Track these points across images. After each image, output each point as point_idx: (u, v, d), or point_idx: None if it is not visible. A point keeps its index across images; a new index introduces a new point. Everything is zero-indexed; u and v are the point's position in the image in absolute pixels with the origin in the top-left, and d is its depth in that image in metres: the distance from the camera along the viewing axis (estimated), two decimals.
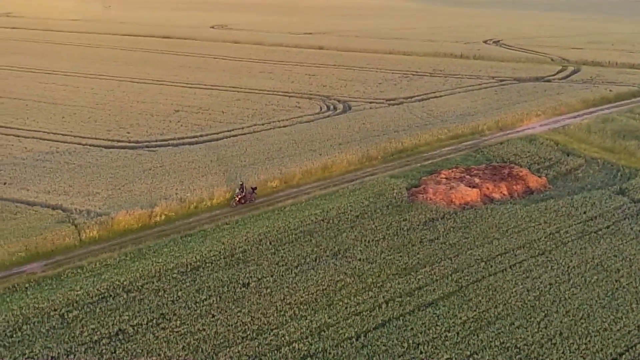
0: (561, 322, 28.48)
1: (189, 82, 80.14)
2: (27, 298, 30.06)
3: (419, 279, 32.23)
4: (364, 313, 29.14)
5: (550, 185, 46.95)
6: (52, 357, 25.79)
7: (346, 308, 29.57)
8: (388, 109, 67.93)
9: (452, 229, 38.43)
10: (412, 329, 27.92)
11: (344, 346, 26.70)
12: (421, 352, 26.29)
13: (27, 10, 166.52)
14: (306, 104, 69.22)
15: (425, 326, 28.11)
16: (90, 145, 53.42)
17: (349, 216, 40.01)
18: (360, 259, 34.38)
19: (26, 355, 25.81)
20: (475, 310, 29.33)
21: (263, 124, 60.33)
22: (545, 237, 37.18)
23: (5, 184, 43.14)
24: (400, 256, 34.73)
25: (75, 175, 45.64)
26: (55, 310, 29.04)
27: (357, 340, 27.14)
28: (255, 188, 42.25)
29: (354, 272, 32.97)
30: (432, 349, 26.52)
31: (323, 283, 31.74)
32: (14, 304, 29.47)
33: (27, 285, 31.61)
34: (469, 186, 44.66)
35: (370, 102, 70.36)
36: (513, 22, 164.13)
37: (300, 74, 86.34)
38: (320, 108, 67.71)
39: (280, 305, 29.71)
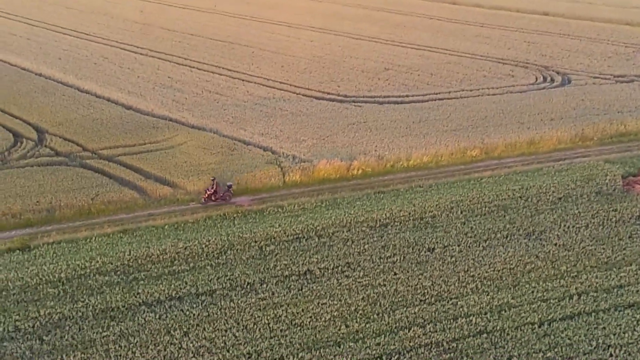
0: None
1: (402, 42, 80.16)
2: (234, 227, 33.64)
3: (620, 277, 29.39)
4: (551, 301, 27.54)
5: None
6: (248, 283, 28.71)
7: (532, 292, 28.19)
8: (614, 86, 61.32)
9: None
10: (604, 328, 25.76)
11: (524, 330, 25.63)
12: (611, 355, 24.24)
13: None
14: (521, 73, 65.37)
15: (620, 328, 25.73)
16: (302, 95, 56.77)
17: (550, 197, 37.60)
18: (556, 244, 32.31)
19: (227, 277, 29.05)
20: None
21: (471, 90, 58.47)
22: None
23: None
24: (603, 249, 31.90)
25: (286, 122, 49.08)
26: (255, 242, 32.08)
27: (539, 327, 25.85)
28: (231, 186, 37.39)
29: (547, 256, 31.16)
30: (625, 355, 24.28)
31: (511, 262, 30.57)
32: (223, 230, 33.20)
33: (235, 215, 35.35)
34: None
35: (595, 77, 64.04)
36: None
37: (518, 41, 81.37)
38: (536, 78, 63.47)
39: (462, 276, 29.36)
